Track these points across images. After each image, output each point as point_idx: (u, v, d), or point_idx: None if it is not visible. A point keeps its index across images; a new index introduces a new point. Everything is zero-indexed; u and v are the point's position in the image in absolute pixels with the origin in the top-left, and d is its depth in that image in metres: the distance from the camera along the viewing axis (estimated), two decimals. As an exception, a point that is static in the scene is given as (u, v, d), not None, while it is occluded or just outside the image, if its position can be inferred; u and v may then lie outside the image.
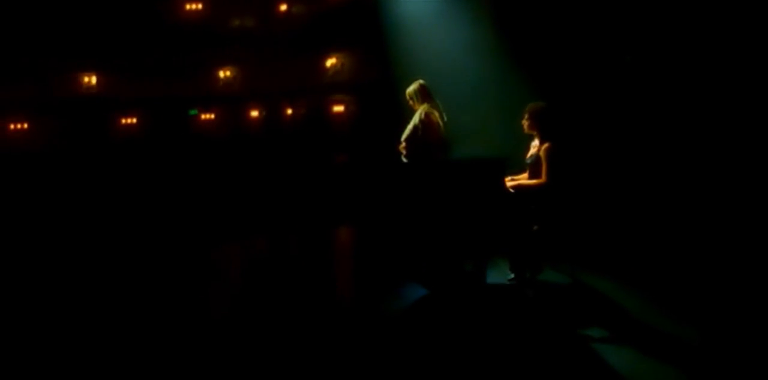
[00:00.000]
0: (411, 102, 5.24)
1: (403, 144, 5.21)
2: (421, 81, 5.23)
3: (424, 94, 5.17)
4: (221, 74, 9.75)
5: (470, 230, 4.43)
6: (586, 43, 6.27)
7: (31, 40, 8.91)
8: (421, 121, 5.09)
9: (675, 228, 5.57)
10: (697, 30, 5.67)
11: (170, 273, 5.87)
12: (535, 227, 4.58)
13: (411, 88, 5.21)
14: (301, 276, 5.55)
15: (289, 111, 10.37)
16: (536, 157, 4.57)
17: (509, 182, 4.71)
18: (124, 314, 4.62)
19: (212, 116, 11.14)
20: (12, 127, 10.29)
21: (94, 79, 9.58)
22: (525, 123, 4.66)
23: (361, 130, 9.08)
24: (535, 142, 4.68)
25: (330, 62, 8.98)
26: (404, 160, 5.18)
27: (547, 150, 4.49)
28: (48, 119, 10.03)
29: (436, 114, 5.12)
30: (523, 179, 4.72)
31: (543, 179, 4.52)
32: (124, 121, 10.83)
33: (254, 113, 10.85)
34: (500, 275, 4.95)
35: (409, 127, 5.16)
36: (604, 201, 5.83)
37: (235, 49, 9.42)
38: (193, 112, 10.93)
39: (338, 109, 9.85)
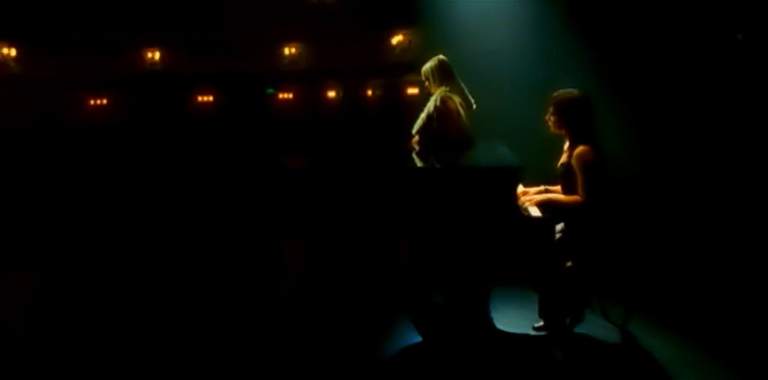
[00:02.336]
0: (427, 83, 4.05)
1: (416, 137, 4.04)
2: (440, 56, 4.03)
3: (442, 74, 3.95)
4: (286, 51, 8.97)
5: (465, 258, 3.18)
6: (684, 18, 4.64)
7: (98, 15, 8.58)
8: (436, 108, 3.89)
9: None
10: None
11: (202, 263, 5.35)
12: (569, 263, 3.25)
13: (427, 66, 4.02)
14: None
15: (367, 92, 9.48)
16: (567, 165, 3.23)
17: (538, 196, 3.41)
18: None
19: (290, 96, 10.51)
20: (92, 102, 10.25)
21: (157, 55, 9.14)
22: (550, 119, 3.34)
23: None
24: (567, 145, 3.33)
25: (396, 39, 7.87)
26: (416, 157, 3.99)
27: (582, 156, 3.14)
28: (124, 95, 9.88)
29: (456, 99, 3.89)
30: (558, 192, 3.39)
31: (578, 196, 3.18)
32: (200, 98, 10.51)
33: (331, 94, 10.07)
34: (526, 318, 3.67)
35: (422, 116, 3.99)
36: (684, 220, 4.30)
37: (300, 25, 8.57)
38: (270, 91, 10.35)
39: (413, 91, 8.74)
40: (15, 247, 5.76)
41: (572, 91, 3.31)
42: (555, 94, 3.35)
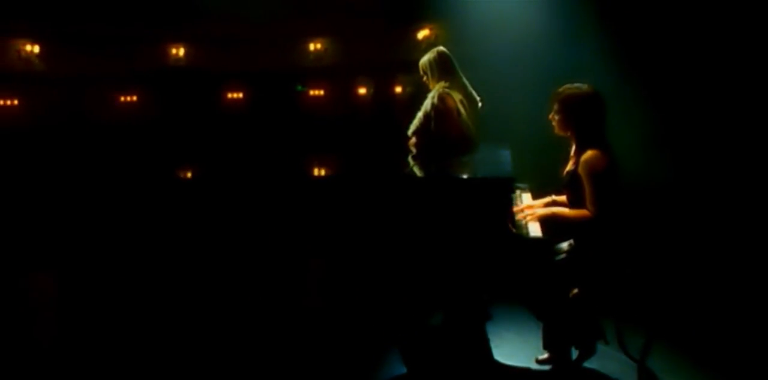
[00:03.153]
0: (425, 78, 3.63)
1: (413, 139, 3.63)
2: (440, 48, 3.62)
3: (442, 67, 3.54)
4: (311, 47, 8.66)
5: (451, 282, 2.75)
6: (723, 12, 4.06)
7: (123, 11, 8.44)
8: (434, 106, 3.49)
9: None
10: None
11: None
12: (575, 290, 2.77)
13: (424, 59, 3.62)
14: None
15: (395, 89, 9.08)
16: (573, 173, 2.75)
17: (541, 211, 2.94)
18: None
19: (321, 92, 10.22)
20: (121, 99, 10.18)
21: (182, 51, 8.96)
22: (554, 118, 2.86)
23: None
24: (573, 150, 2.85)
25: (422, 34, 7.49)
26: (411, 161, 3.58)
27: (589, 163, 2.66)
28: (152, 92, 9.77)
29: (457, 97, 3.47)
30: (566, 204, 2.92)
31: (587, 210, 2.70)
32: (230, 95, 10.34)
33: (361, 90, 9.71)
34: (532, 347, 3.19)
35: (419, 115, 3.58)
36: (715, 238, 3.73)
37: (326, 19, 8.25)
38: (299, 88, 10.08)
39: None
40: (36, 248, 5.61)
41: (580, 86, 2.83)
42: (560, 89, 2.87)
